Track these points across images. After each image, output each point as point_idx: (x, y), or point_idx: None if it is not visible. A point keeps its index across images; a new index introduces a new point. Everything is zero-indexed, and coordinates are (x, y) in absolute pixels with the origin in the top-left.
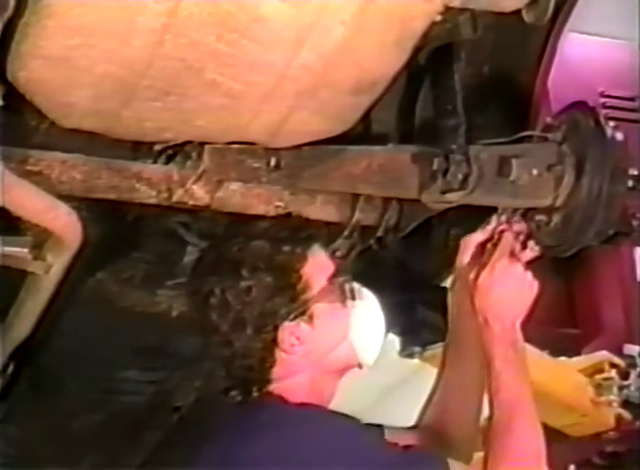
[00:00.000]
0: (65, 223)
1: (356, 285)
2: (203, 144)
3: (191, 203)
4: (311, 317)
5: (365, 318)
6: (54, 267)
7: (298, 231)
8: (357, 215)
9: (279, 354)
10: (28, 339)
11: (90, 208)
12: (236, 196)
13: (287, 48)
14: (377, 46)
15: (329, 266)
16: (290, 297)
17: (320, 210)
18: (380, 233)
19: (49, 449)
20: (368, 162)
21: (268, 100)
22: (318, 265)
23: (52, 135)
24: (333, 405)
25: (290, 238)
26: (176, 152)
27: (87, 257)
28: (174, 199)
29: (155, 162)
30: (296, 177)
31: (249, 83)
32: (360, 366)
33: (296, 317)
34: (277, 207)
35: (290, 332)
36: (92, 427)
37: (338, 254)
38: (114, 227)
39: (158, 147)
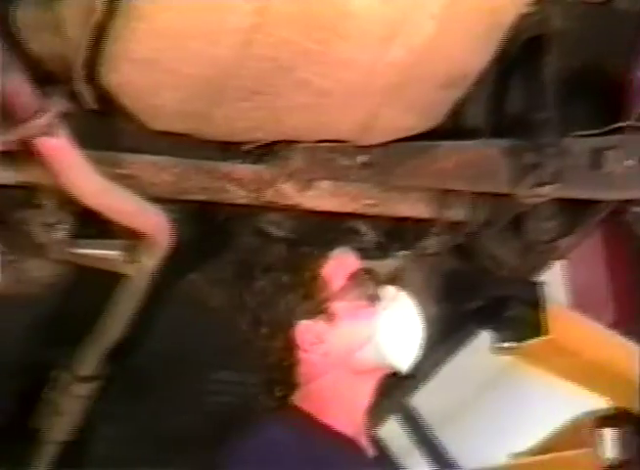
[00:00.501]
0: (155, 225)
1: (390, 287)
2: (292, 143)
3: (281, 202)
4: (331, 316)
5: (396, 321)
6: (146, 269)
7: (322, 233)
8: (448, 211)
9: (300, 355)
10: (122, 340)
11: (180, 209)
12: (326, 195)
13: (376, 44)
14: (466, 39)
15: (352, 266)
16: (305, 295)
17: (411, 207)
18: (471, 229)
19: (143, 450)
20: (459, 157)
21: (358, 97)
22: (339, 265)
23: (142, 137)
24: (427, 403)
25: (311, 239)
26: (266, 151)
27: (178, 258)
28: (264, 199)
29: (244, 162)
30: (386, 174)
31: (338, 81)
32: (394, 372)
33: (314, 316)
34: (367, 205)
35: (308, 330)
36: (186, 428)
37: (428, 251)
38: (205, 228)
39: (247, 147)
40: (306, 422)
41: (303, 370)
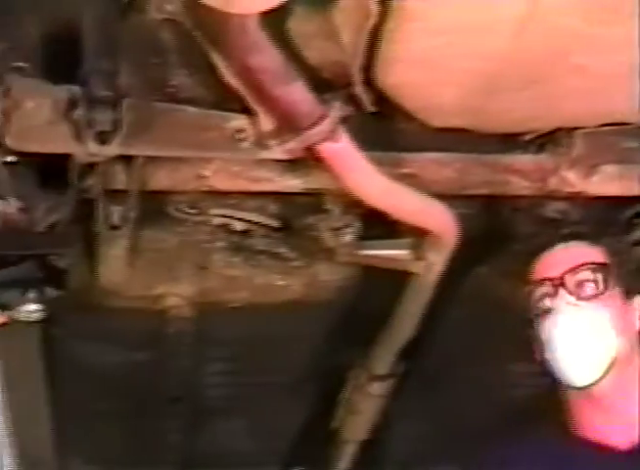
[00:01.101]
0: (441, 222)
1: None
2: (573, 129)
3: (565, 190)
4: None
5: (562, 333)
6: (433, 266)
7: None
8: None
9: None
10: (415, 337)
11: (463, 204)
12: (612, 179)
13: None
14: None
15: (564, 264)
16: None
17: None
18: None
19: (441, 447)
20: None
21: (637, 77)
22: (551, 263)
23: (421, 135)
24: None
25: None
26: (546, 140)
27: (465, 253)
28: (548, 188)
29: (525, 152)
30: None
31: (616, 63)
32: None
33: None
34: None
35: None
36: (483, 423)
37: None
38: (490, 221)
39: (526, 137)
40: (558, 436)
41: None
